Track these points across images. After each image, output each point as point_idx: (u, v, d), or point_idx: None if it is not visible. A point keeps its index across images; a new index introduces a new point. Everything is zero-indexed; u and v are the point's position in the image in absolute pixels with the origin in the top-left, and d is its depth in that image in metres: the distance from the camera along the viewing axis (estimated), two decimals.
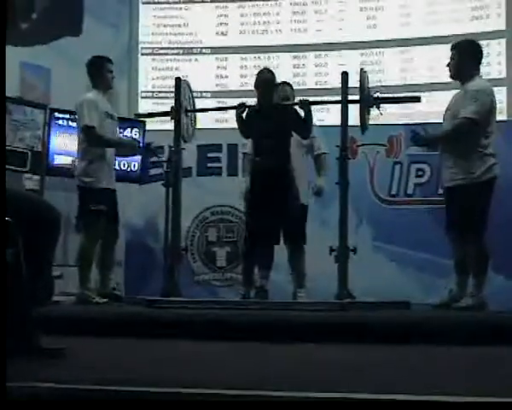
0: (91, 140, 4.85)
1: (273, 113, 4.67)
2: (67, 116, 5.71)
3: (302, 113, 4.68)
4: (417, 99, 4.63)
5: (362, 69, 4.59)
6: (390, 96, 4.94)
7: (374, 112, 4.60)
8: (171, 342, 3.48)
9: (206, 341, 3.46)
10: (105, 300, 4.81)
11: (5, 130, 4.79)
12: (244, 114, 4.74)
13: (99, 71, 5.00)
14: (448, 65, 4.62)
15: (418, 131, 4.65)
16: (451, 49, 4.62)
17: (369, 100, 4.49)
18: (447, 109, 4.58)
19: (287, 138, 4.69)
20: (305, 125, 4.67)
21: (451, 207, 4.50)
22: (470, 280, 4.45)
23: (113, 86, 5.19)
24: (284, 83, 5.30)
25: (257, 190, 4.69)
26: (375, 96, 4.51)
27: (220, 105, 6.63)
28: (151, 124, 6.02)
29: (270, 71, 4.88)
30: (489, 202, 4.41)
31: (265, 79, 4.72)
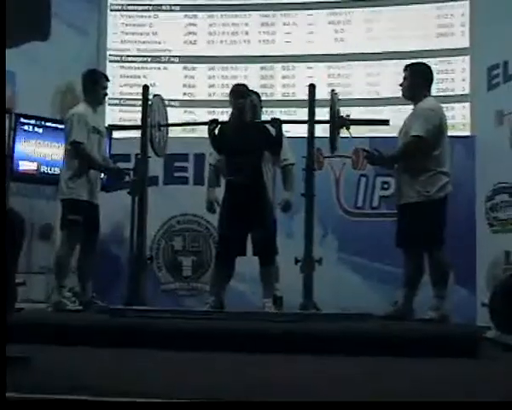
0: (78, 156, 4.90)
1: (245, 130, 4.69)
2: (33, 122, 5.67)
3: (273, 130, 4.69)
4: (386, 122, 4.72)
5: (333, 90, 4.63)
6: (360, 119, 5.00)
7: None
8: (134, 351, 3.47)
9: (170, 351, 3.45)
10: (79, 307, 4.83)
11: (5, 130, 4.79)
12: (216, 131, 4.76)
13: (93, 86, 5.05)
14: (401, 85, 4.73)
15: (372, 152, 4.74)
16: (404, 71, 4.75)
17: (339, 121, 4.54)
18: (401, 129, 4.69)
19: (259, 155, 4.72)
20: (275, 143, 4.70)
21: (404, 223, 4.59)
22: (422, 294, 4.55)
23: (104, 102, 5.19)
24: (251, 92, 5.32)
25: (231, 206, 4.70)
26: (345, 117, 4.56)
27: (188, 114, 6.63)
28: (118, 132, 5.99)
29: (246, 87, 4.89)
30: (443, 218, 4.52)
31: (242, 95, 4.73)
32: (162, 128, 4.95)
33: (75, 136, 4.87)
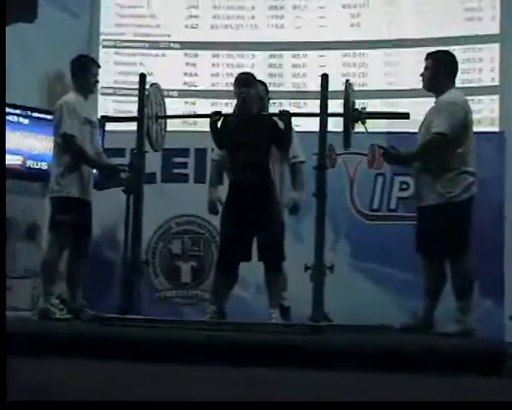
0: (69, 150, 4.94)
1: (251, 123, 4.70)
2: (18, 112, 5.73)
3: (281, 124, 4.71)
4: (406, 116, 4.72)
5: (347, 81, 4.65)
6: (376, 111, 5.00)
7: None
8: (126, 364, 3.49)
9: (167, 363, 3.48)
10: (67, 316, 4.87)
11: (5, 130, 4.85)
12: (219, 124, 4.78)
13: (83, 73, 5.10)
14: (422, 75, 4.76)
15: (389, 148, 4.75)
16: (425, 60, 4.78)
17: (353, 115, 4.56)
18: (421, 124, 4.72)
19: (266, 151, 4.73)
20: (284, 139, 4.72)
21: (424, 227, 4.62)
22: (449, 305, 4.58)
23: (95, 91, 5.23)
24: (258, 81, 5.34)
25: (235, 206, 4.72)
26: (361, 110, 4.58)
27: (188, 105, 6.65)
28: (112, 124, 6.03)
29: (253, 76, 4.91)
30: (468, 222, 4.56)
31: (248, 84, 4.74)
32: (160, 120, 4.98)
33: (65, 128, 4.92)
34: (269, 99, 5.33)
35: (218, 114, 4.81)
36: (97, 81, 5.22)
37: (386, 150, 4.80)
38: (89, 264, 5.13)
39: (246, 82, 4.76)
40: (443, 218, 4.49)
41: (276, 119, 4.76)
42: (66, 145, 4.94)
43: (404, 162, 4.92)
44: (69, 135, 4.91)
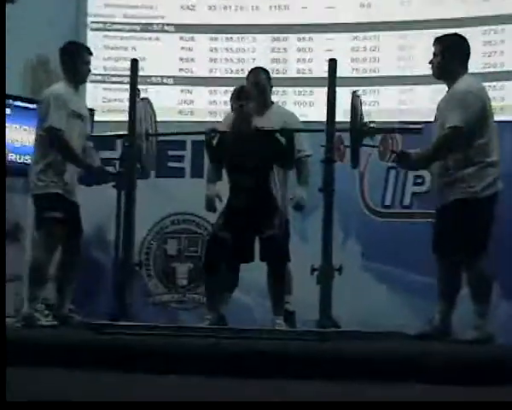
0: (55, 145, 4.92)
1: (250, 141, 4.70)
2: None
3: (283, 140, 4.71)
4: (419, 131, 4.72)
5: (354, 92, 4.62)
6: (387, 127, 4.96)
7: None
8: (118, 375, 3.48)
9: (161, 375, 3.47)
10: (53, 322, 4.88)
11: (5, 129, 4.86)
12: (215, 141, 4.79)
13: (73, 61, 5.09)
14: (430, 62, 4.74)
15: (402, 153, 4.72)
16: (434, 45, 4.75)
17: (362, 130, 4.53)
18: (436, 118, 4.69)
19: (267, 173, 4.73)
20: (286, 157, 4.73)
21: (443, 227, 4.59)
22: (465, 310, 4.56)
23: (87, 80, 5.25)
24: (259, 69, 5.32)
25: (235, 207, 4.73)
26: (370, 125, 4.55)
27: (184, 93, 6.64)
28: (100, 114, 6.03)
29: (249, 90, 4.89)
30: (491, 220, 4.53)
31: (246, 98, 4.74)
32: (150, 138, 4.94)
33: (52, 120, 4.88)
34: (271, 87, 5.32)
35: (213, 131, 4.82)
36: (89, 70, 5.21)
37: (398, 155, 4.75)
38: (81, 264, 5.13)
39: (243, 95, 4.76)
40: (463, 215, 4.48)
41: (277, 135, 4.75)
42: (52, 140, 4.92)
43: (420, 166, 4.90)
44: (56, 128, 4.88)
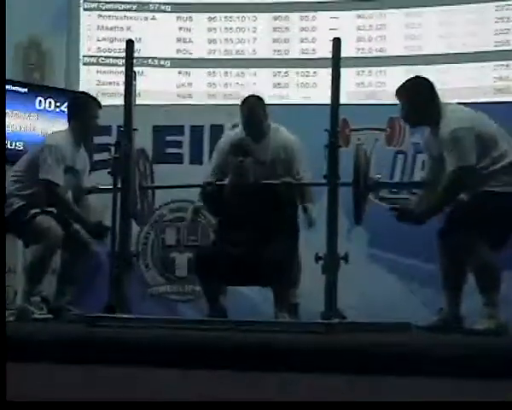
0: (52, 199, 5.04)
1: (250, 196, 4.73)
2: None
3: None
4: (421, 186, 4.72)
5: (358, 145, 4.61)
6: (395, 181, 4.91)
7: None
8: (114, 369, 3.49)
9: (161, 367, 3.47)
10: (48, 315, 4.91)
11: (5, 129, 4.89)
12: (212, 193, 4.82)
13: (81, 115, 5.17)
14: (401, 117, 4.72)
15: (403, 208, 4.70)
16: (396, 95, 4.67)
17: (366, 185, 4.51)
18: (429, 158, 4.68)
19: (268, 228, 4.76)
20: (287, 209, 4.79)
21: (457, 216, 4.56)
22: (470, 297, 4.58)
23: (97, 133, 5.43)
24: (253, 99, 5.25)
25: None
26: (375, 180, 4.55)
27: (182, 76, 6.63)
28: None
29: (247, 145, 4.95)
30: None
31: (245, 153, 4.78)
32: (145, 190, 4.95)
33: (46, 173, 4.97)
34: (265, 112, 5.25)
35: (210, 184, 4.84)
36: (97, 125, 5.24)
37: (399, 211, 4.71)
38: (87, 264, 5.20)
39: (241, 151, 4.78)
40: (484, 208, 4.43)
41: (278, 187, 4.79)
42: (47, 192, 5.01)
43: (429, 218, 4.75)
44: (52, 182, 4.97)
